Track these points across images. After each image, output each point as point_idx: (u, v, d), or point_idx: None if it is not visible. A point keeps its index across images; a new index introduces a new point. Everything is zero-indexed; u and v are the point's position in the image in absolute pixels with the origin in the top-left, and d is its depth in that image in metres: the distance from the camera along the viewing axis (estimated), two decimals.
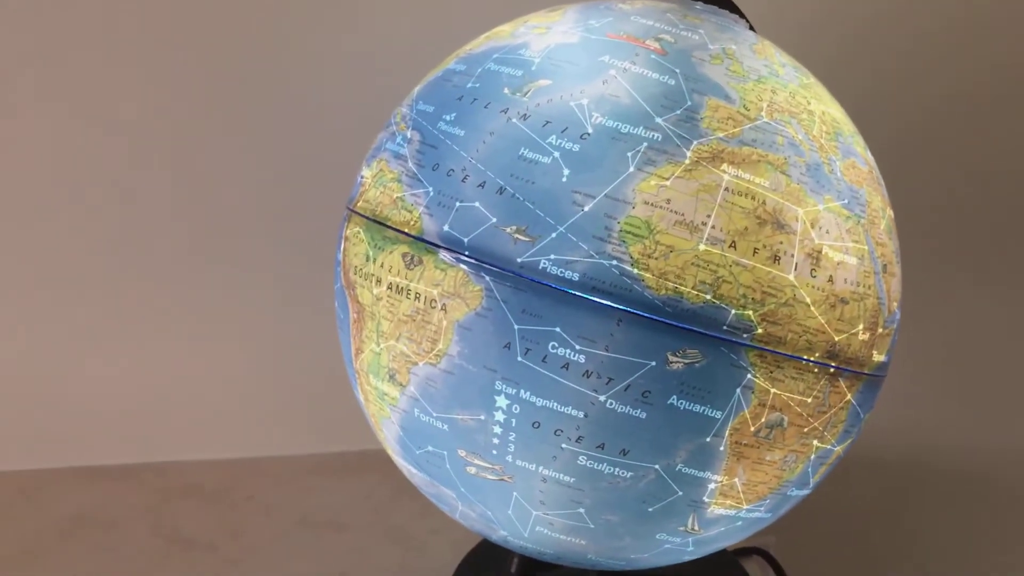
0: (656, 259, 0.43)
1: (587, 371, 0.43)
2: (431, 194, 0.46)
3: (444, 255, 0.45)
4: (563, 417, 0.44)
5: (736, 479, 0.46)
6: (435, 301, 0.45)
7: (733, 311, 0.43)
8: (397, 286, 0.47)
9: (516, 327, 0.43)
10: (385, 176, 0.49)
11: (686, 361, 0.43)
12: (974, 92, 0.89)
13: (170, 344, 0.87)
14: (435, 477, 0.50)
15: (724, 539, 0.51)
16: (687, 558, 0.52)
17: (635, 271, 0.42)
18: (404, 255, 0.47)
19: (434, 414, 0.47)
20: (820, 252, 0.45)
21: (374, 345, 0.49)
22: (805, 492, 0.51)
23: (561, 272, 0.43)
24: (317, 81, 0.83)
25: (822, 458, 0.49)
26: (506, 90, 0.47)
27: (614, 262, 0.42)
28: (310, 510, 0.78)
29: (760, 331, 0.43)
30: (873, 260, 0.47)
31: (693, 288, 0.43)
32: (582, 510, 0.47)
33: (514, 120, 0.45)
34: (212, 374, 0.88)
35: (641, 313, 0.42)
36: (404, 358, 0.47)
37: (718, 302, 0.43)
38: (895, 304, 0.50)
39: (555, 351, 0.43)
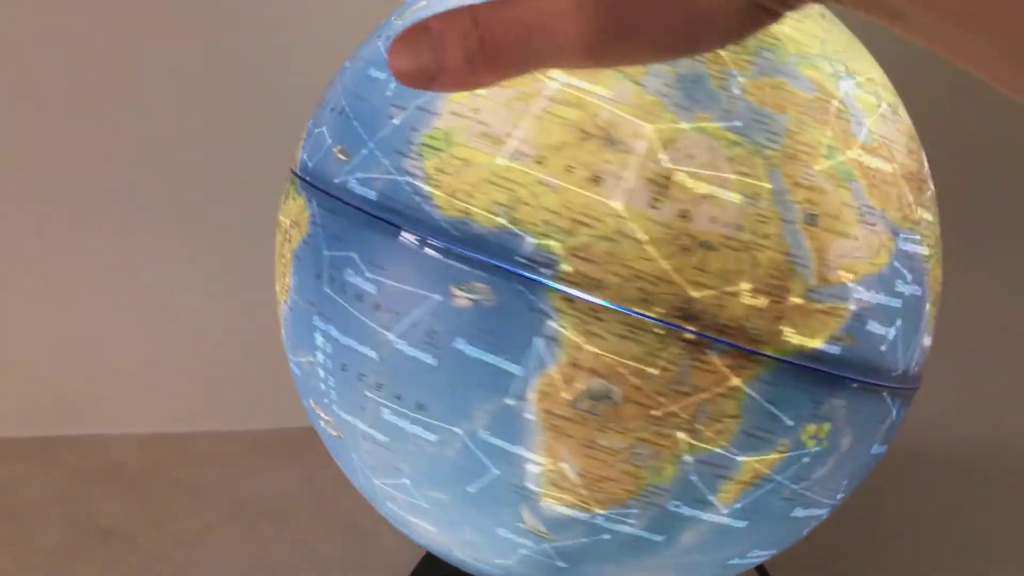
0: (449, 175, 0.36)
1: (377, 303, 0.38)
2: (309, 128, 0.44)
3: (298, 184, 0.43)
4: (362, 359, 0.39)
5: (565, 465, 0.37)
6: (287, 232, 0.43)
7: (531, 239, 0.35)
8: (279, 224, 0.46)
9: (326, 254, 0.40)
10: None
11: (473, 297, 0.36)
12: None
13: (92, 305, 0.77)
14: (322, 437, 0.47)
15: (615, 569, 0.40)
16: None
17: (427, 188, 0.37)
18: (285, 193, 0.45)
19: (291, 357, 0.44)
20: (669, 179, 0.35)
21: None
22: (718, 518, 0.38)
23: (363, 192, 0.38)
24: (261, 43, 0.73)
25: (720, 469, 0.37)
26: (393, 17, 0.44)
27: (408, 179, 0.37)
28: (245, 496, 0.68)
29: (568, 268, 0.35)
30: (782, 204, 0.36)
31: (485, 209, 0.36)
32: (407, 481, 0.40)
33: (379, 42, 0.42)
34: (138, 339, 0.77)
35: (427, 236, 0.36)
36: (279, 296, 0.45)
37: (514, 228, 0.35)
38: (846, 276, 0.37)
39: (351, 280, 0.39)
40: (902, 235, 0.39)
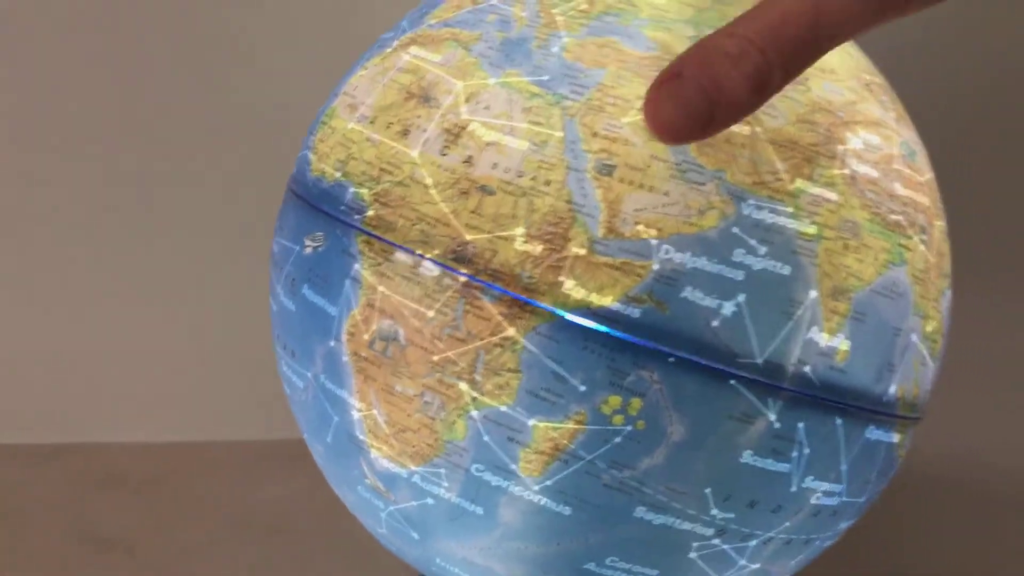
0: (322, 142, 0.41)
1: (275, 261, 0.43)
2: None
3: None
4: (273, 314, 0.44)
5: (375, 412, 0.37)
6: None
7: (352, 189, 0.38)
8: None
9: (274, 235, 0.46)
10: None
11: (314, 245, 0.39)
12: None
13: (96, 312, 0.76)
14: None
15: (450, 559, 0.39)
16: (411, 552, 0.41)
17: (310, 155, 0.42)
18: None
19: None
20: (464, 128, 0.36)
21: None
22: (529, 494, 0.36)
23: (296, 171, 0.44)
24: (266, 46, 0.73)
25: (512, 432, 0.35)
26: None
27: (306, 151, 0.43)
28: (247, 509, 0.67)
29: (371, 213, 0.37)
30: (572, 152, 0.34)
31: (331, 167, 0.40)
32: (304, 435, 0.44)
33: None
34: (142, 347, 0.77)
35: (300, 195, 0.41)
36: None
37: (344, 180, 0.39)
38: (647, 232, 0.33)
39: (272, 241, 0.44)
40: (751, 201, 0.34)
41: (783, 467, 0.36)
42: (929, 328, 0.39)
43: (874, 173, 0.37)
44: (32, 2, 0.70)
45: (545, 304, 0.34)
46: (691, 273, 0.34)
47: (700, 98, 0.23)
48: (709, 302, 0.34)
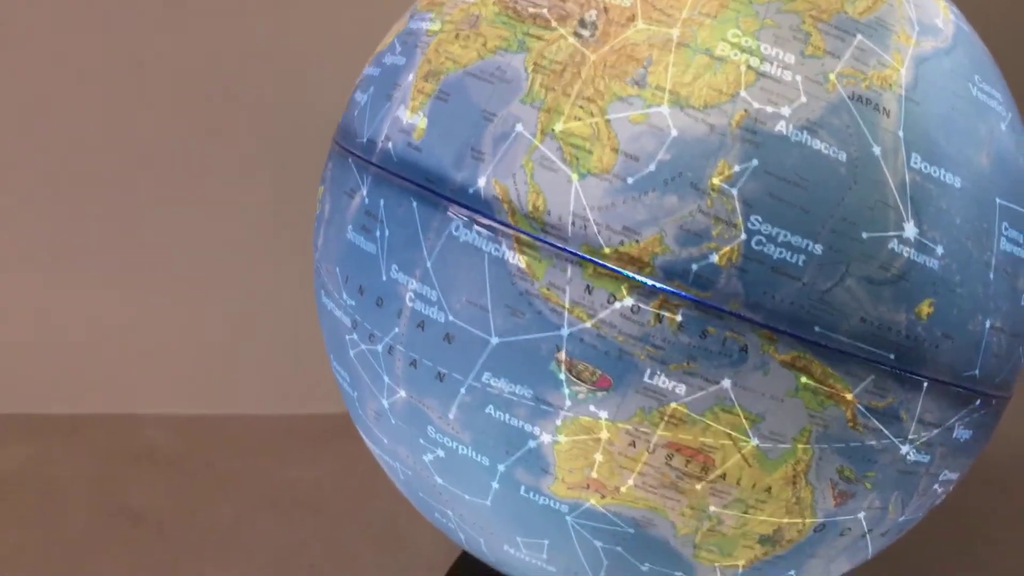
0: None
1: None
2: None
3: None
4: None
5: None
6: None
7: None
8: None
9: None
10: None
11: None
12: None
13: (129, 283, 0.75)
14: None
15: None
16: None
17: None
18: None
19: None
20: None
21: None
22: None
23: None
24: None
25: None
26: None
27: None
28: (278, 486, 0.65)
29: None
30: None
31: None
32: None
33: None
34: (176, 318, 0.76)
35: None
36: None
37: None
38: None
39: None
40: (417, 16, 0.39)
41: (371, 247, 0.36)
42: (563, 127, 0.32)
43: None
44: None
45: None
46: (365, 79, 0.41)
47: None
48: (359, 96, 0.40)
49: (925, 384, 0.33)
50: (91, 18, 0.70)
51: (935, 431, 0.34)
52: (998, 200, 0.34)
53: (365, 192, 0.37)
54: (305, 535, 0.61)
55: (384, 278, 0.36)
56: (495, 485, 0.35)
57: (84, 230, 0.75)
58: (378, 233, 0.36)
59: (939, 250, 0.32)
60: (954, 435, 0.35)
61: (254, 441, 0.72)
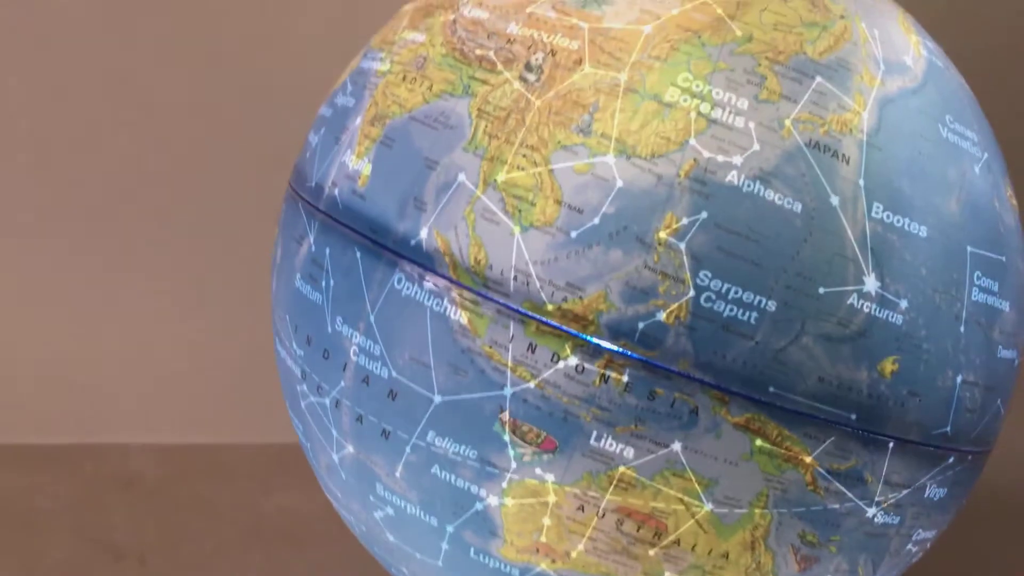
0: None
1: None
2: None
3: None
4: None
5: None
6: None
7: None
8: None
9: None
10: None
11: None
12: None
13: (113, 310, 0.75)
14: None
15: None
16: None
17: None
18: None
19: None
20: None
21: None
22: None
23: None
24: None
25: None
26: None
27: None
28: (264, 516, 0.64)
29: None
30: None
31: None
32: None
33: None
34: (160, 347, 0.75)
35: None
36: None
37: None
38: None
39: None
40: (369, 55, 0.37)
41: (317, 297, 0.35)
42: (506, 177, 0.31)
43: (483, 15, 0.34)
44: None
45: None
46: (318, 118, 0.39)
47: None
48: (312, 137, 0.38)
49: (891, 444, 0.32)
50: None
51: (904, 491, 0.33)
52: (969, 248, 0.33)
53: (312, 239, 0.36)
54: (290, 566, 0.61)
55: (329, 330, 0.35)
56: (445, 546, 0.34)
57: (65, 261, 0.75)
58: (323, 283, 0.35)
59: (903, 304, 0.31)
60: (926, 494, 0.34)
61: (238, 471, 0.71)
